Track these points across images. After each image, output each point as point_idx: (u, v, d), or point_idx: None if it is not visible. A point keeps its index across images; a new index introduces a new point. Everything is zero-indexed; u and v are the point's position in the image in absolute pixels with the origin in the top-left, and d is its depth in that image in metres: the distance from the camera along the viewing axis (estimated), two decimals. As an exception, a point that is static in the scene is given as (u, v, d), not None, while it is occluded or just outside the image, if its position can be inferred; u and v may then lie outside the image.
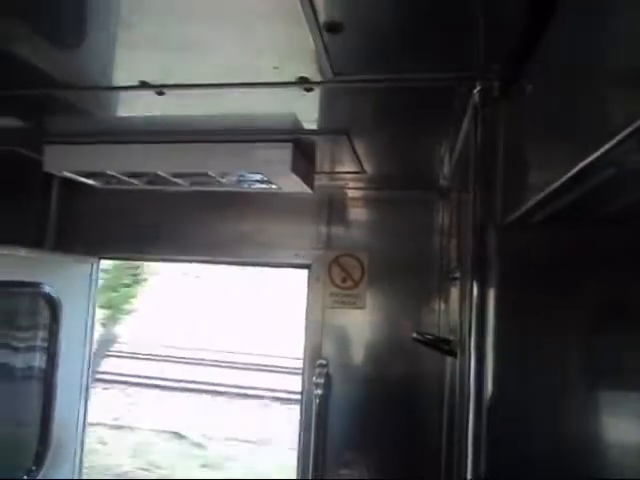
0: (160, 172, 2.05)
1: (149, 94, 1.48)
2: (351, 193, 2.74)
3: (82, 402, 2.92)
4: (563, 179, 0.81)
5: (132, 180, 2.26)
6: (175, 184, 2.24)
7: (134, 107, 1.78)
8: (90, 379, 2.98)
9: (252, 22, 1.09)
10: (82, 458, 2.95)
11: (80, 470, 2.93)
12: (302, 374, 2.71)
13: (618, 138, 0.66)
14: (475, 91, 1.29)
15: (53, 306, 2.65)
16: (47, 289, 2.59)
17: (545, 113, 1.03)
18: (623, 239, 1.16)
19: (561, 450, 1.21)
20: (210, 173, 2.04)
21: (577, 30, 0.88)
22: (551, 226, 1.16)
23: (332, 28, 1.04)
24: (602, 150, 0.70)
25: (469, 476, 1.26)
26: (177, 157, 1.94)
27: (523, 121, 1.16)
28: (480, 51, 1.19)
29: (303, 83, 1.34)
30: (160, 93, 1.47)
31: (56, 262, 2.73)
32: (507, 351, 1.25)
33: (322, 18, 1.02)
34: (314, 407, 2.57)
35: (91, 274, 2.91)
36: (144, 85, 1.43)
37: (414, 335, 2.12)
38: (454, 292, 2.01)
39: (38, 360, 2.68)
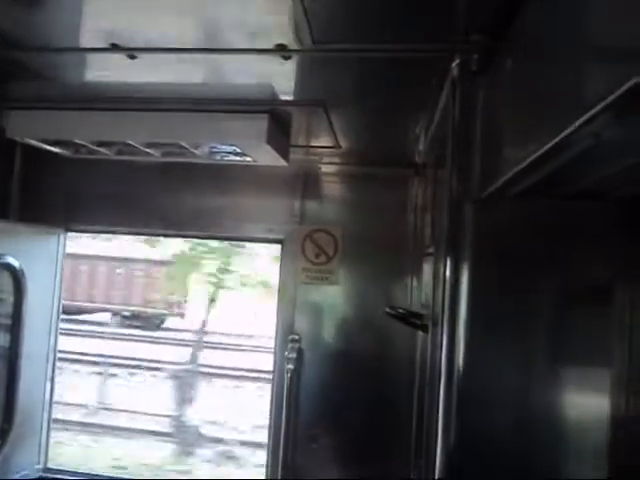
0: (131, 141, 1.99)
1: (120, 58, 1.42)
2: (326, 168, 2.72)
3: (47, 380, 2.85)
4: (541, 151, 0.82)
5: (102, 149, 2.19)
6: (146, 154, 2.18)
7: (105, 73, 1.71)
8: (56, 355, 2.92)
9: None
10: (48, 435, 2.90)
11: (46, 447, 2.89)
12: (274, 349, 2.72)
13: (593, 111, 0.66)
14: (454, 64, 1.28)
15: (17, 279, 2.56)
16: (10, 260, 2.51)
17: (523, 87, 1.03)
18: (595, 214, 1.18)
19: (526, 420, 1.25)
20: (183, 144, 1.99)
21: (555, 4, 0.88)
22: (526, 200, 1.18)
23: (313, -8, 1.02)
24: (578, 122, 0.70)
25: (440, 445, 1.28)
26: (149, 126, 1.88)
27: (501, 95, 1.16)
28: (460, 23, 1.18)
29: (281, 51, 1.31)
30: (132, 57, 1.41)
31: (20, 233, 2.64)
32: (479, 325, 1.27)
33: (303, -20, 0.99)
34: (286, 381, 2.58)
35: (57, 246, 2.83)
36: (115, 48, 1.37)
37: (387, 310, 2.14)
38: (427, 268, 2.03)
39: (2, 335, 2.61)
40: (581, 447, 1.23)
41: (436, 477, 1.30)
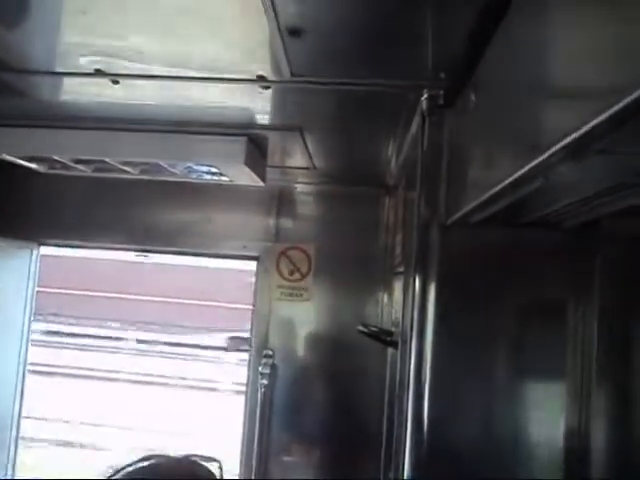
0: (109, 160, 2.03)
1: (104, 82, 1.47)
2: (300, 187, 2.79)
3: (17, 394, 2.83)
4: (498, 187, 0.90)
5: (78, 166, 2.21)
6: (123, 172, 2.21)
7: (83, 93, 1.74)
8: (26, 370, 2.90)
9: (214, 23, 1.13)
10: (16, 450, 2.86)
11: (14, 461, 2.85)
12: (248, 364, 2.75)
13: (549, 152, 0.73)
14: (422, 99, 1.38)
15: (-12, 293, 2.55)
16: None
17: (486, 122, 1.12)
18: (549, 240, 1.28)
19: (490, 433, 1.33)
20: (161, 162, 2.03)
21: (517, 46, 0.96)
22: (489, 227, 1.26)
23: (293, 32, 1.09)
24: (534, 162, 0.78)
25: (407, 461, 1.35)
26: (129, 146, 1.93)
27: (466, 128, 1.25)
28: (428, 62, 1.27)
29: (261, 81, 1.38)
30: (115, 82, 1.46)
31: (-9, 247, 2.63)
32: (445, 342, 1.35)
33: (284, 22, 1.06)
34: (259, 396, 2.62)
35: (30, 261, 2.82)
36: (99, 73, 1.42)
37: (359, 327, 2.20)
38: (398, 286, 2.11)
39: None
40: (540, 457, 1.31)
41: None
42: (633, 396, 1.23)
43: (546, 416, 1.31)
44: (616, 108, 0.54)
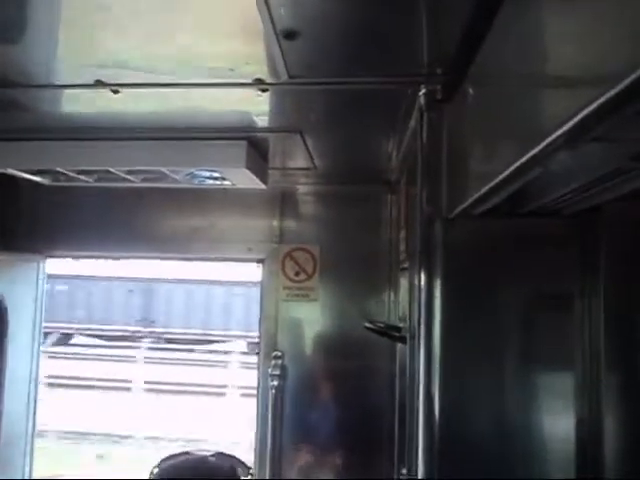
0: (112, 169, 2.04)
1: (104, 92, 1.49)
2: (303, 188, 2.80)
3: (30, 407, 2.84)
4: (499, 178, 0.91)
5: (81, 177, 2.23)
6: (126, 180, 2.23)
7: (84, 104, 1.76)
8: (38, 382, 2.91)
9: (211, 30, 1.14)
10: (31, 464, 2.88)
11: (30, 474, 2.87)
12: (258, 366, 2.76)
13: (546, 141, 0.74)
14: (420, 94, 1.39)
15: (-2, 307, 2.57)
16: (-9, 289, 2.51)
17: (484, 115, 1.13)
18: (550, 229, 1.29)
19: (502, 427, 1.33)
20: (163, 170, 2.05)
21: (512, 38, 0.97)
22: (491, 218, 1.27)
23: (289, 35, 1.10)
24: (533, 152, 0.79)
25: (420, 455, 1.35)
26: (131, 154, 1.94)
27: (465, 122, 1.26)
28: (424, 58, 1.28)
29: (259, 84, 1.39)
30: (115, 92, 1.48)
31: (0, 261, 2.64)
32: (453, 335, 1.35)
33: (279, 26, 1.07)
34: (270, 398, 2.63)
35: (37, 273, 2.84)
36: (99, 84, 1.43)
37: (366, 324, 2.21)
38: (404, 282, 2.12)
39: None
40: (551, 446, 1.32)
41: None
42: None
43: (556, 406, 1.32)
44: (610, 95, 0.56)
